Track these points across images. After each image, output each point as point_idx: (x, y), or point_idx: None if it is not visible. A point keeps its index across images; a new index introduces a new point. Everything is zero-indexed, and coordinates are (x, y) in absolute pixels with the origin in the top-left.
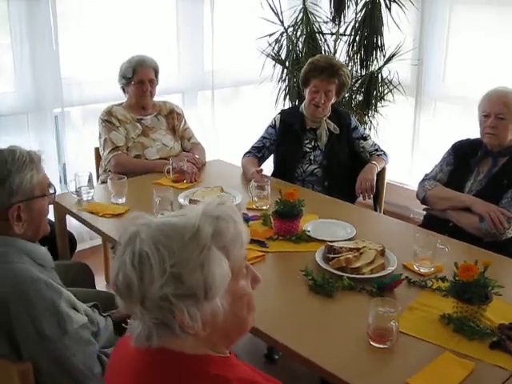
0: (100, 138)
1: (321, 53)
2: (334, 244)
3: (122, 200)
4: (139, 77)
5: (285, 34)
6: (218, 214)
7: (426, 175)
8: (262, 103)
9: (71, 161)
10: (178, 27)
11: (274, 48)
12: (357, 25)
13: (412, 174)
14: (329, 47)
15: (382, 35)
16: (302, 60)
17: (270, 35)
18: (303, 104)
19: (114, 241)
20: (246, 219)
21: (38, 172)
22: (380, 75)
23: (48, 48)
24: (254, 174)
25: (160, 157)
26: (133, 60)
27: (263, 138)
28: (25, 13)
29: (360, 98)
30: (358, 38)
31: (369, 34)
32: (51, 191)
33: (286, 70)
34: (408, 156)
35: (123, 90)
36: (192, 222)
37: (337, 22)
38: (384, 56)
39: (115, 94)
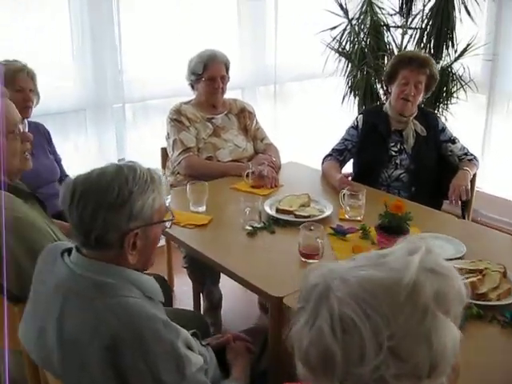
0: (168, 138)
1: (386, 47)
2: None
3: (203, 208)
4: (210, 73)
5: (349, 27)
6: (435, 266)
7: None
8: (326, 99)
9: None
10: (239, 20)
11: (338, 41)
12: (426, 17)
13: (483, 178)
14: (395, 41)
15: (453, 28)
16: (367, 54)
17: (333, 28)
18: (387, 102)
19: (203, 256)
20: (342, 232)
21: (160, 195)
22: (450, 71)
23: (110, 42)
24: (342, 181)
25: (232, 159)
26: (204, 55)
27: (344, 139)
28: (87, 3)
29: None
30: (427, 31)
31: (439, 26)
32: (170, 217)
33: (350, 65)
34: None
35: (192, 86)
36: (404, 275)
37: (404, 15)
38: (455, 51)
39: (176, 90)
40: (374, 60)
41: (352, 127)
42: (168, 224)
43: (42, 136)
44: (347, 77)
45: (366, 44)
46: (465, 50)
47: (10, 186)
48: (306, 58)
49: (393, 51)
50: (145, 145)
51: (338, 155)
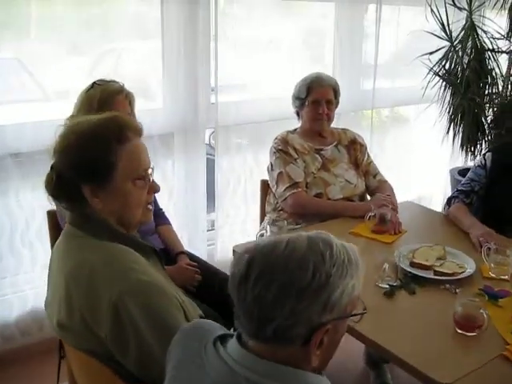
0: (272, 170)
1: (490, 73)
2: None
3: None
4: (314, 96)
5: (451, 50)
6: None
7: None
8: (424, 128)
9: (221, 192)
10: (335, 43)
11: (442, 66)
12: None
13: None
14: (499, 67)
15: None
16: (471, 81)
17: (434, 52)
18: None
19: None
20: (494, 295)
21: (359, 281)
22: None
23: (205, 63)
24: (482, 234)
25: (343, 196)
26: (308, 78)
27: (471, 180)
28: (183, 17)
29: None
30: None
31: None
32: (362, 308)
33: (453, 92)
34: None
35: (297, 114)
36: None
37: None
38: None
39: (271, 114)
40: (479, 88)
41: (479, 166)
42: (358, 317)
43: None
44: (450, 105)
45: (470, 70)
46: None
47: (127, 238)
48: (404, 83)
49: (496, 79)
50: (236, 176)
51: (464, 197)
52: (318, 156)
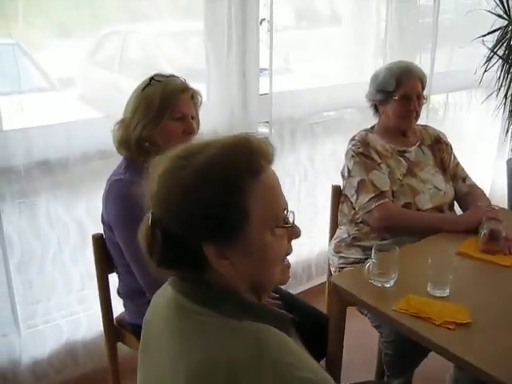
0: (350, 176)
1: None
2: None
3: (445, 291)
4: (406, 90)
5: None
6: None
7: None
8: (481, 115)
9: None
10: (388, 26)
11: (502, 46)
12: None
13: None
14: None
15: None
16: None
17: (491, 33)
18: None
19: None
20: None
21: None
22: None
23: (254, 47)
24: None
25: (433, 205)
26: (395, 67)
27: None
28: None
29: None
30: None
31: None
32: None
33: None
34: None
35: (375, 108)
36: None
37: None
38: None
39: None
40: None
41: None
42: None
43: None
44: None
45: None
46: None
47: (264, 311)
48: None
49: None
50: (291, 176)
51: None
52: (401, 159)
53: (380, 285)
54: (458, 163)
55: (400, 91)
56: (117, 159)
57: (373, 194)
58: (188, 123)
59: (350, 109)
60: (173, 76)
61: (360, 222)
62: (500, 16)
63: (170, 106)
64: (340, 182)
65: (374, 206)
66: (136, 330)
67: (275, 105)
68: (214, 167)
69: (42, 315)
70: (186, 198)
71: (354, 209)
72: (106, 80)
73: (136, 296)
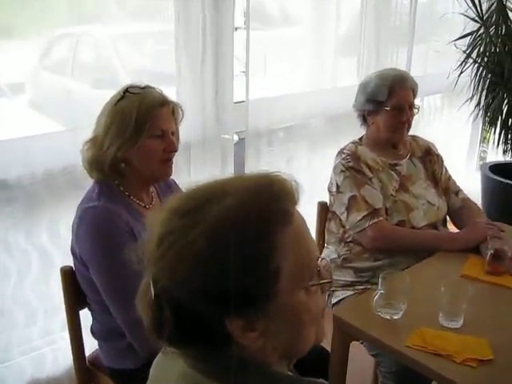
0: (339, 192)
1: None
2: None
3: (458, 322)
4: (397, 100)
5: (484, 33)
6: None
7: None
8: (454, 119)
9: None
10: (363, 31)
11: (475, 51)
12: None
13: None
14: None
15: None
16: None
17: (465, 36)
18: None
19: None
20: None
21: None
22: None
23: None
24: None
25: (428, 222)
26: (387, 76)
27: None
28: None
29: None
30: None
31: None
32: None
33: (489, 80)
34: None
35: (363, 119)
36: None
37: None
38: None
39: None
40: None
41: None
42: None
43: None
44: (488, 96)
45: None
46: None
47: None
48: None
49: None
50: None
51: None
52: (393, 173)
53: (388, 317)
54: (450, 176)
55: (392, 101)
56: (83, 179)
57: (365, 212)
58: (169, 140)
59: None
60: (149, 87)
61: (350, 242)
62: (473, 19)
63: (149, 123)
64: (325, 198)
65: (367, 225)
66: (114, 374)
67: (251, 113)
68: (235, 223)
69: (18, 346)
70: (201, 267)
71: (344, 227)
72: (58, 85)
73: (113, 337)
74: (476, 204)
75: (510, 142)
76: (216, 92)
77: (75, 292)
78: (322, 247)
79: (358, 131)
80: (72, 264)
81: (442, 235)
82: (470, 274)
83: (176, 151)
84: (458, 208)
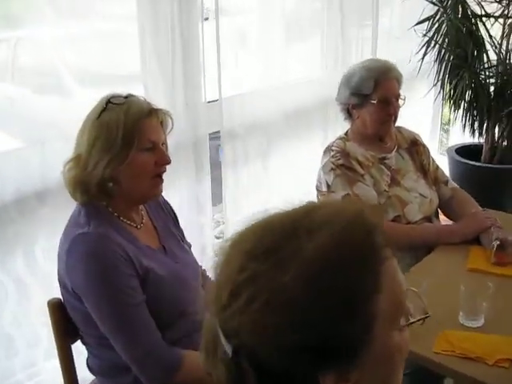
0: (331, 191)
1: (482, 41)
2: None
3: (480, 321)
4: (383, 93)
5: (444, 16)
6: None
7: None
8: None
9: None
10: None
11: (435, 34)
12: None
13: None
14: (489, 33)
15: None
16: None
17: (424, 20)
18: None
19: None
20: None
21: None
22: None
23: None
24: None
25: (423, 215)
26: (372, 67)
27: None
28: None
29: None
30: None
31: None
32: None
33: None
34: None
35: (348, 113)
36: None
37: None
38: None
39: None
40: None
41: None
42: None
43: (167, 217)
44: (450, 79)
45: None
46: None
47: None
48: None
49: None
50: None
51: None
52: (383, 167)
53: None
54: (438, 166)
55: (378, 94)
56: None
57: None
58: (160, 152)
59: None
60: (131, 95)
61: None
62: (432, 3)
63: (137, 135)
64: (307, 196)
65: None
66: None
67: (226, 112)
68: (334, 264)
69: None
70: (296, 318)
71: None
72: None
73: (117, 373)
74: (466, 193)
75: (476, 124)
76: (186, 90)
77: (66, 325)
78: None
79: (335, 124)
80: (57, 294)
81: (441, 228)
82: (477, 267)
83: (169, 163)
84: (449, 198)
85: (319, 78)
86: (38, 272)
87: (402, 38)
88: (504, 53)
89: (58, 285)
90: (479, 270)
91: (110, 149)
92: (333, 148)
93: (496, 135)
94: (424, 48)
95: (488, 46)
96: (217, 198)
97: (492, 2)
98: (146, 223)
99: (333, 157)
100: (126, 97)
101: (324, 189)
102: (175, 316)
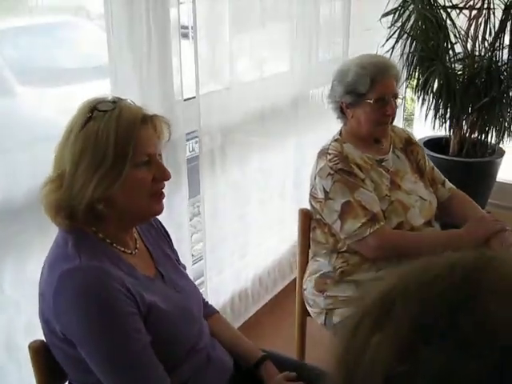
0: (329, 198)
1: (447, 33)
2: None
3: None
4: (380, 91)
5: (411, 7)
6: None
7: None
8: None
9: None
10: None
11: (404, 25)
12: None
13: None
14: (454, 25)
15: None
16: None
17: (390, 13)
18: None
19: None
20: None
21: None
22: None
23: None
24: None
25: (425, 220)
26: (367, 63)
27: None
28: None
29: None
30: None
31: None
32: None
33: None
34: None
35: (341, 112)
36: None
37: None
38: None
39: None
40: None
41: None
42: None
43: (160, 237)
44: (420, 70)
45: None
46: None
47: None
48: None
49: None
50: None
51: None
52: (382, 170)
53: None
54: (434, 166)
55: (375, 93)
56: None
57: (364, 219)
58: (158, 167)
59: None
60: (120, 99)
61: (345, 252)
62: None
63: (132, 147)
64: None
65: (368, 233)
66: None
67: (203, 110)
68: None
69: None
70: None
71: (333, 236)
72: None
73: None
74: (464, 193)
75: (445, 115)
76: (160, 87)
77: (51, 370)
78: (306, 260)
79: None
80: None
81: (449, 234)
82: None
83: (169, 179)
84: (447, 199)
85: (288, 72)
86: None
87: (373, 29)
88: (471, 45)
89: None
90: None
91: (100, 165)
92: (329, 151)
93: (464, 128)
94: (394, 40)
95: (454, 39)
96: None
97: None
98: (140, 247)
99: (330, 161)
100: (113, 101)
101: (321, 196)
102: (183, 355)
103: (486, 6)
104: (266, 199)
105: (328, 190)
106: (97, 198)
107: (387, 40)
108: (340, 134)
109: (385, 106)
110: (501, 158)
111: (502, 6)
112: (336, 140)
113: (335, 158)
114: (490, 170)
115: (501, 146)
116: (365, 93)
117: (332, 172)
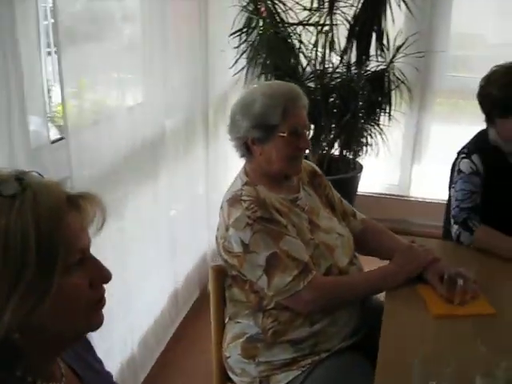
0: (250, 252)
1: (294, 50)
2: None
3: None
4: (294, 123)
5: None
6: None
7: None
8: None
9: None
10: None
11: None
12: (357, 11)
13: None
14: (301, 42)
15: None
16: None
17: (243, 29)
18: (495, 134)
19: None
20: None
21: None
22: (388, 74)
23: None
24: None
25: (349, 259)
26: (277, 93)
27: (471, 192)
28: None
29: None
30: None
31: (368, 21)
32: None
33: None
34: None
35: (247, 148)
36: None
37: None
38: (387, 49)
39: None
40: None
41: (473, 173)
42: None
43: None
44: None
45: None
46: (399, 48)
47: None
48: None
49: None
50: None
51: (477, 215)
52: (298, 210)
53: None
54: (340, 197)
55: (287, 125)
56: None
57: (296, 271)
58: (96, 266)
59: None
60: (23, 173)
61: (272, 309)
62: (251, 12)
63: (63, 245)
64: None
65: (302, 287)
66: None
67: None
68: None
69: None
70: None
71: (256, 292)
72: None
73: None
74: (376, 222)
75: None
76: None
77: None
78: (223, 323)
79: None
80: None
81: (384, 272)
82: (442, 313)
83: (110, 280)
84: (361, 232)
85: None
86: None
87: (227, 50)
88: (320, 61)
89: None
90: (445, 314)
91: (18, 280)
92: (243, 197)
93: (322, 146)
94: (245, 59)
95: (303, 58)
96: None
97: (304, 10)
98: (66, 373)
99: (247, 209)
100: (17, 178)
101: (238, 249)
102: None
103: (328, 22)
104: (143, 251)
105: (247, 243)
106: (14, 327)
107: (236, 61)
108: (246, 174)
109: (298, 138)
110: (361, 173)
111: (346, 24)
112: (246, 183)
113: (252, 205)
114: (352, 184)
115: (358, 160)
116: (276, 125)
117: (250, 222)
